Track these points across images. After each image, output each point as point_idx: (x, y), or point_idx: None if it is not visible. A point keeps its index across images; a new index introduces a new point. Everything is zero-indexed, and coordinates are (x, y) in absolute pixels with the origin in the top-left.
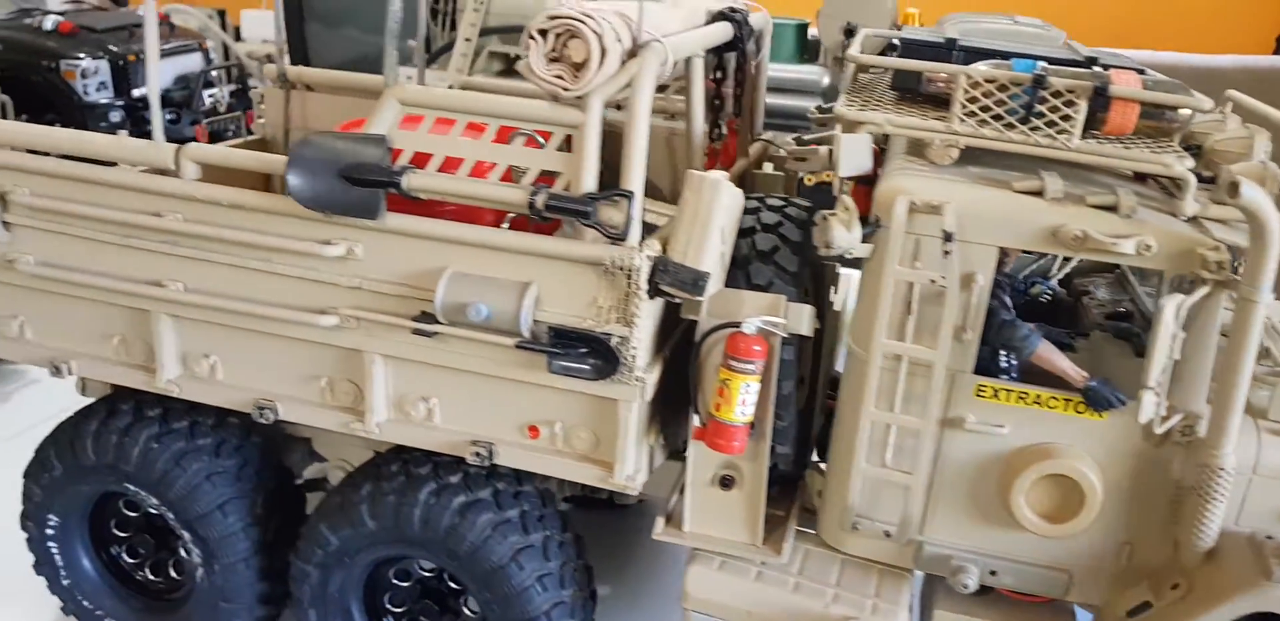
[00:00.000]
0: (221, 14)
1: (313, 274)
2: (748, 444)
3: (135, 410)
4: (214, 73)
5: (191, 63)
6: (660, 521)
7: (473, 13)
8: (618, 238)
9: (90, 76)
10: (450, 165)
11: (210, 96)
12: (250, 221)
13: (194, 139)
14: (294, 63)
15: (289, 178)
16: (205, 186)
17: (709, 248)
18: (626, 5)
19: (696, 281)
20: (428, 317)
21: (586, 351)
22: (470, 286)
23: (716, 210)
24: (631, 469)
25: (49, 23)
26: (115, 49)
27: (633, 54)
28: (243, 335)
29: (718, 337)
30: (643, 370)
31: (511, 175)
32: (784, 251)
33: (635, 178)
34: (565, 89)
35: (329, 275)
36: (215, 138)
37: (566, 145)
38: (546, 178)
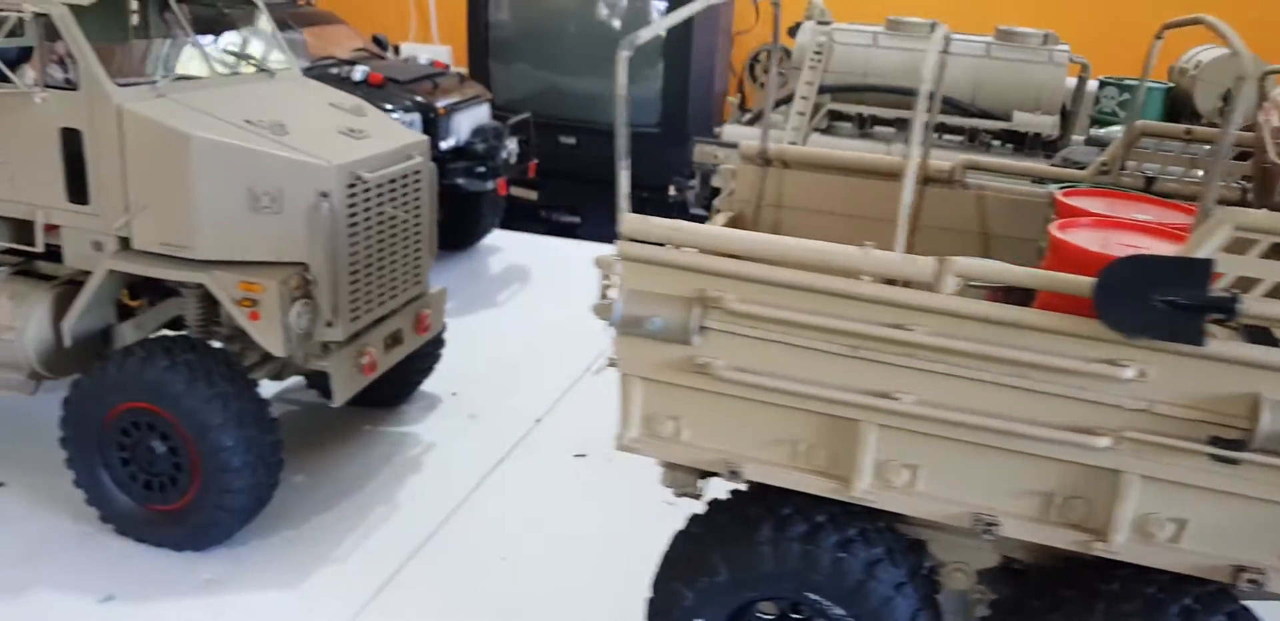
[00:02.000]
0: (395, 48)
1: (1085, 393)
2: None
3: (802, 515)
4: (496, 123)
5: (483, 114)
6: None
7: (809, 71)
8: None
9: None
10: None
11: (505, 149)
12: (1016, 338)
13: (495, 192)
14: None
15: (1099, 301)
16: (974, 303)
17: None
18: None
19: None
20: (1227, 443)
21: None
22: None
23: None
24: None
25: (358, 74)
26: (422, 100)
27: None
28: (961, 447)
29: None
30: None
31: None
32: None
33: None
34: None
35: (1109, 396)
36: None
37: None
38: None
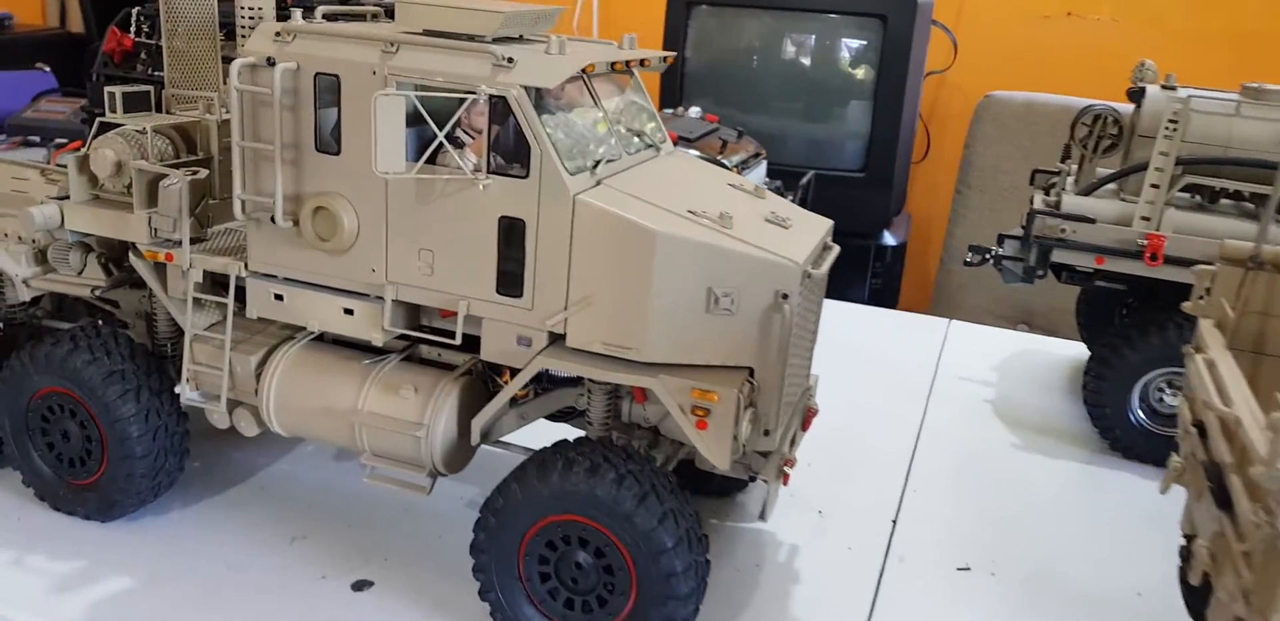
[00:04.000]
0: None
1: None
2: None
3: None
4: (777, 183)
5: (762, 172)
6: None
7: (1165, 141)
8: None
9: None
10: None
11: None
12: None
13: None
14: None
15: None
16: None
17: None
18: None
19: None
20: None
21: None
22: None
23: None
24: None
25: None
26: (716, 159)
27: None
28: None
29: None
30: None
31: None
32: None
33: None
34: None
35: None
36: None
37: None
38: None
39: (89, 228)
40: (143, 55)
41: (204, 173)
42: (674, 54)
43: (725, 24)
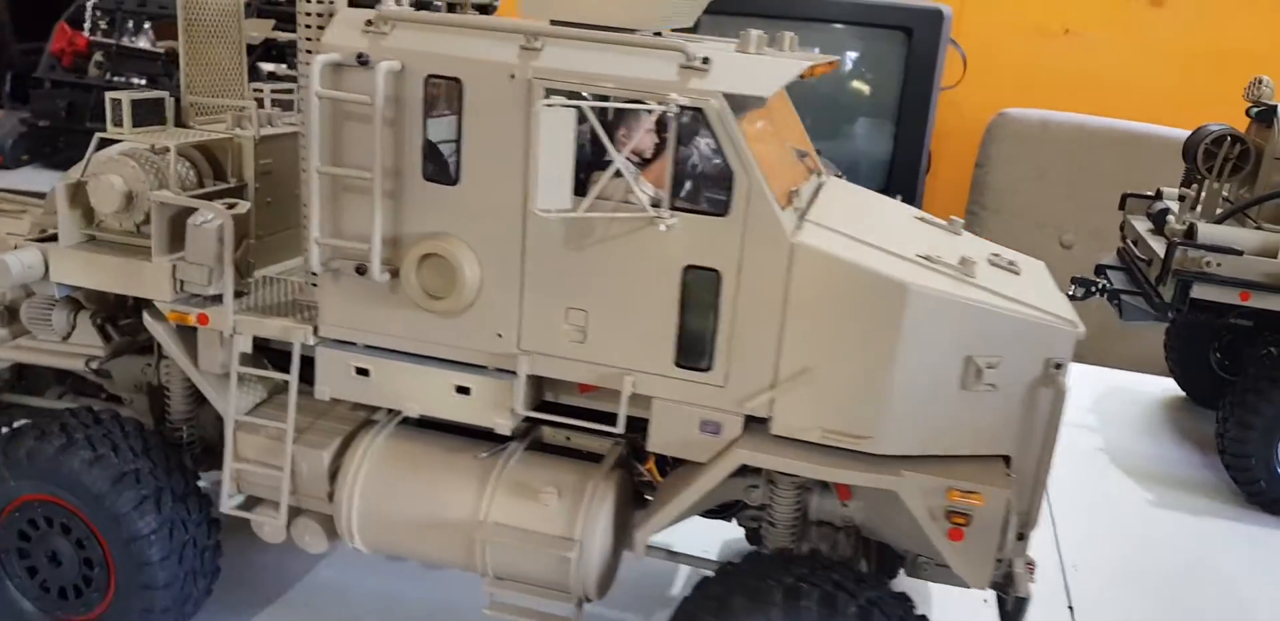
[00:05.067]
0: None
1: None
2: None
3: None
4: None
5: None
6: None
7: None
8: None
9: None
10: None
11: None
12: None
13: None
14: None
15: None
16: None
17: None
18: None
19: None
20: None
21: None
22: None
23: None
24: None
25: None
26: None
27: None
28: None
29: None
30: None
31: None
32: None
33: None
34: None
35: None
36: None
37: None
38: None
39: (85, 280)
40: (98, 57)
41: (244, 206)
42: (838, 58)
43: (735, 36)
